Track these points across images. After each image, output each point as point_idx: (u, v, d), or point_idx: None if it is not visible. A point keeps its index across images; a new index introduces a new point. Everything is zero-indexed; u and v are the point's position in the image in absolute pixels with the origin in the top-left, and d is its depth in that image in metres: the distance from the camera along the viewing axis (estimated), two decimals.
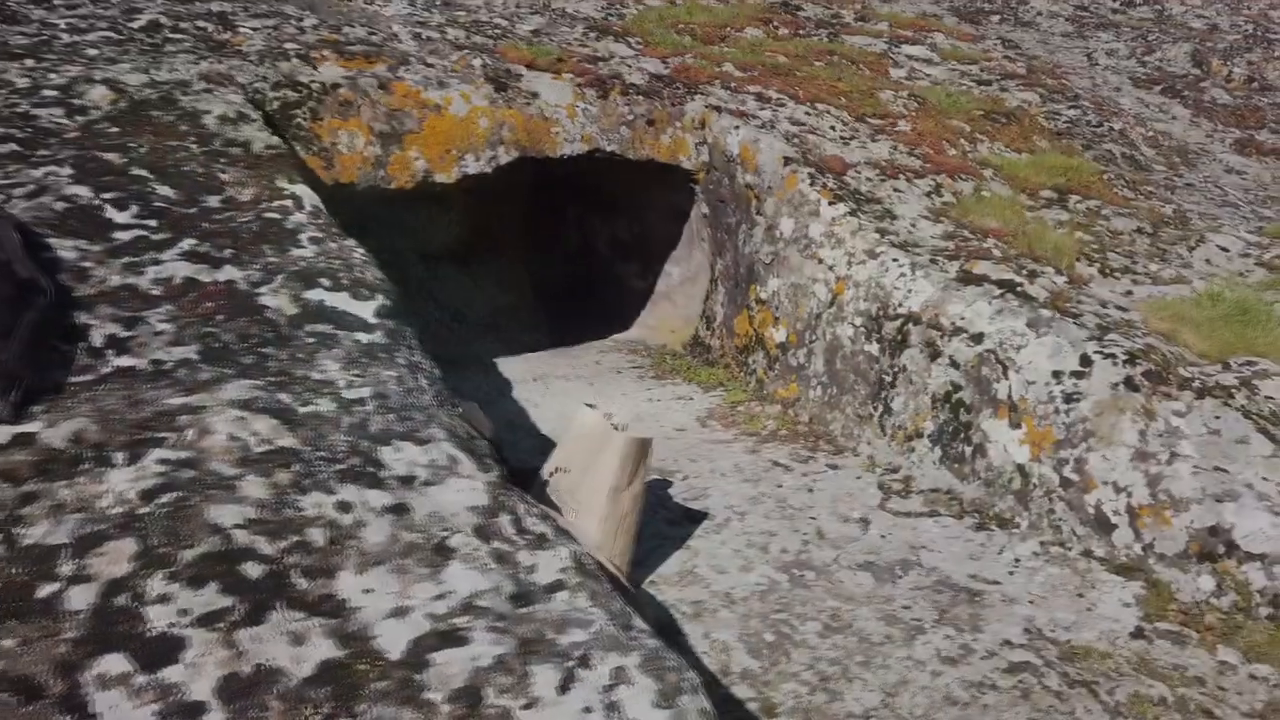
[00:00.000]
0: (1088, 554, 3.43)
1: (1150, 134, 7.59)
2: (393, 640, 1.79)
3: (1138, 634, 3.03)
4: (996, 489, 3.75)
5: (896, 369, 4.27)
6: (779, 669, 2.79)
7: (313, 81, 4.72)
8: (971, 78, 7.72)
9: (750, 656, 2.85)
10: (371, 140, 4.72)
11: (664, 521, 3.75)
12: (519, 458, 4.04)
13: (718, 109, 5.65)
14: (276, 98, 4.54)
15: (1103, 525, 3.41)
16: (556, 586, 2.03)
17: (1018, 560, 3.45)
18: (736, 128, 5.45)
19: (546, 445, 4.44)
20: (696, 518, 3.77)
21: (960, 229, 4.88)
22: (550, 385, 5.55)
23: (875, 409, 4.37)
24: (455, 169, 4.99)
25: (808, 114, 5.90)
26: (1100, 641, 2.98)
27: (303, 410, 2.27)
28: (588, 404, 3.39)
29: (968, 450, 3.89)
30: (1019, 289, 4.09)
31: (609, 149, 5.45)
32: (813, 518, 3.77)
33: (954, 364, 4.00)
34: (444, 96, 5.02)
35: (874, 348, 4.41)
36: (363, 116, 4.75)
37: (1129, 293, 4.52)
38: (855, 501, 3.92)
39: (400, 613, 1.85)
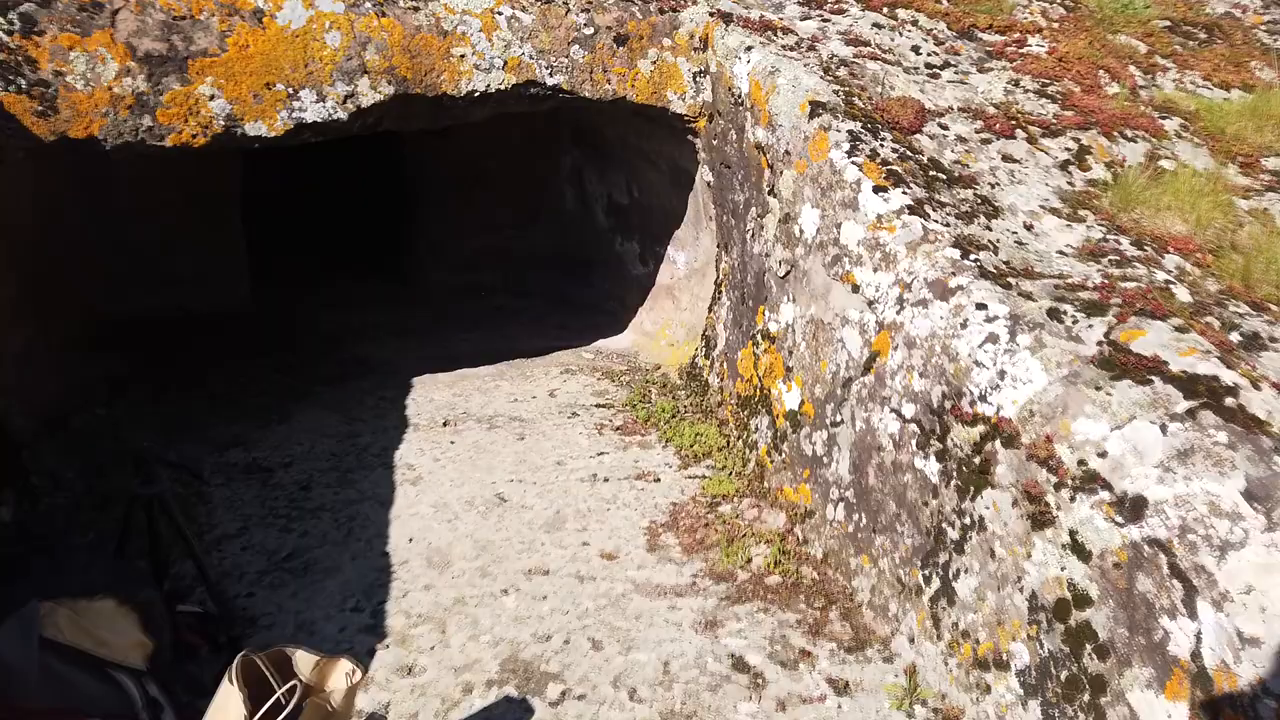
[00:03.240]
0: None
1: None
2: None
3: None
4: None
5: (969, 520, 2.28)
6: None
7: None
8: None
9: None
10: (131, 67, 2.93)
11: None
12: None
13: (727, 18, 3.59)
14: None
15: None
16: None
17: None
18: (749, 49, 3.39)
19: (371, 591, 2.70)
20: None
21: (1114, 236, 2.75)
22: (460, 437, 3.75)
23: (927, 578, 2.40)
24: (282, 114, 3.15)
25: (878, 26, 3.76)
26: None
27: None
28: (245, 659, 1.58)
29: None
30: (1230, 398, 2.00)
31: (552, 83, 3.50)
32: None
33: (1079, 549, 1.98)
34: None
35: (931, 467, 2.41)
36: (119, 29, 2.95)
37: None
38: None
39: None
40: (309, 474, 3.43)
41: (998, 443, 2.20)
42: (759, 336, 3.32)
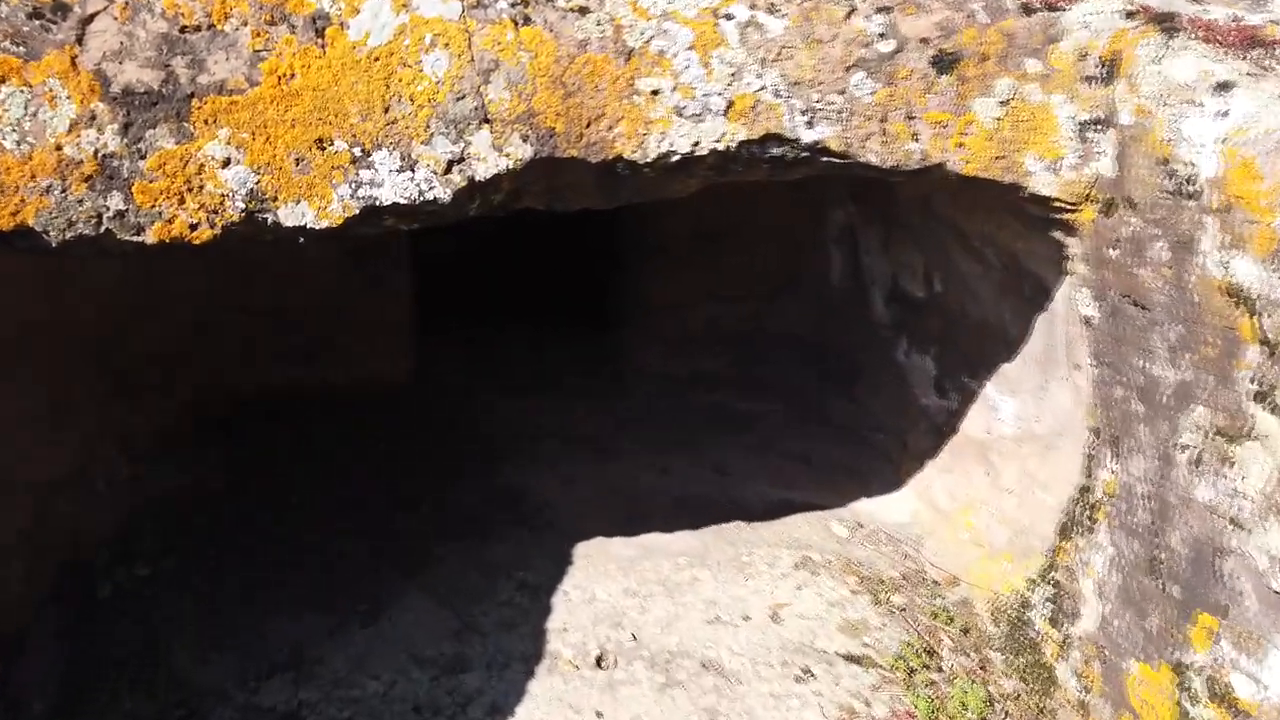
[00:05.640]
0: None
1: None
2: None
3: None
4: None
5: None
6: None
7: None
8: None
9: None
10: (98, 112, 1.74)
11: None
12: None
13: (1165, 25, 1.87)
14: None
15: None
16: None
17: None
18: (1222, 88, 1.66)
19: None
20: None
21: None
22: (615, 701, 2.34)
23: None
24: (340, 190, 1.84)
25: None
26: None
27: None
28: None
29: None
30: None
31: (810, 139, 1.96)
32: None
33: None
34: None
35: None
36: (88, 48, 1.77)
37: None
38: None
39: None
40: None
41: None
42: (1195, 678, 1.61)
